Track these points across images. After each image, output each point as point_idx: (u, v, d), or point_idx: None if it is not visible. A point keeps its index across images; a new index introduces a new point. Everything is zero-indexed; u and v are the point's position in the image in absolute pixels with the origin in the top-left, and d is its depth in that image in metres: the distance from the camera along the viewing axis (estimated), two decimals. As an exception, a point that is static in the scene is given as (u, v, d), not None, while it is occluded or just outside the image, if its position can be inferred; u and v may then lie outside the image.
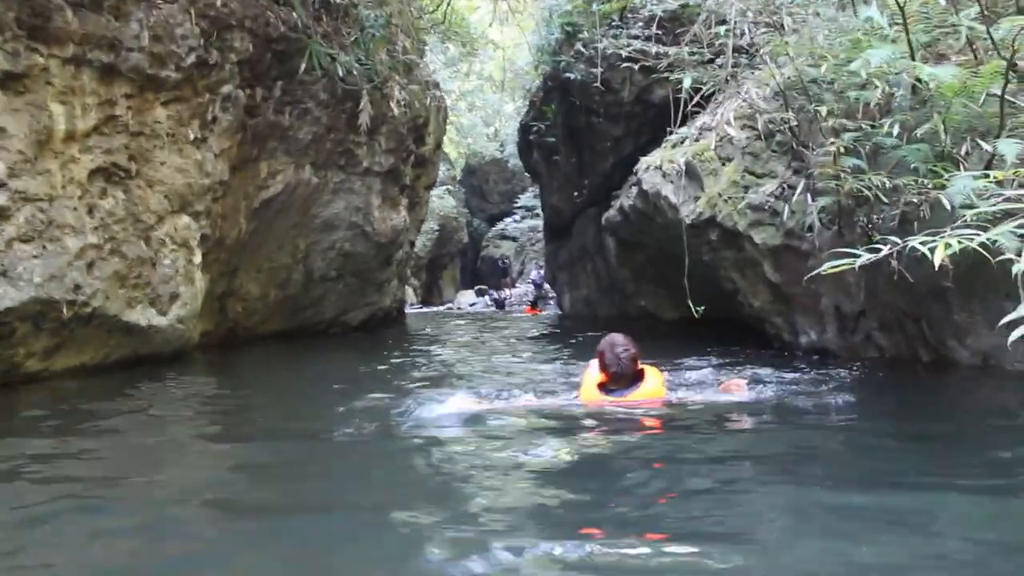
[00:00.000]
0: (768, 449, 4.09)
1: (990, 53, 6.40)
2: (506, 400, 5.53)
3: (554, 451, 4.06)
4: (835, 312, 7.53)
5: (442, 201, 28.29)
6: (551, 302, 24.26)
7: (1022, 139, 5.73)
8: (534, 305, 23.42)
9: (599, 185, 14.23)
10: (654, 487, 3.41)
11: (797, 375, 6.33)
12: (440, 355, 10.01)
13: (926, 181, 5.86)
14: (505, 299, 26.86)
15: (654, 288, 12.75)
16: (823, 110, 6.50)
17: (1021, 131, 5.81)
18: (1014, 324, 3.15)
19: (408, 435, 4.58)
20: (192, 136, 8.34)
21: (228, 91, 8.76)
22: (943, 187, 5.73)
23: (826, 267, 3.65)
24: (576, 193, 14.63)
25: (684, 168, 8.86)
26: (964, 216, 5.49)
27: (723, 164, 8.53)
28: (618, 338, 5.08)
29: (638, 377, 5.05)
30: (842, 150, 6.41)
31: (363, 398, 5.84)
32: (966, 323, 6.34)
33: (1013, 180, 5.82)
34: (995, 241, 3.94)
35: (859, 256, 3.56)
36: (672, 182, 9.08)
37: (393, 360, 9.14)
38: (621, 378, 4.99)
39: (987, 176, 5.86)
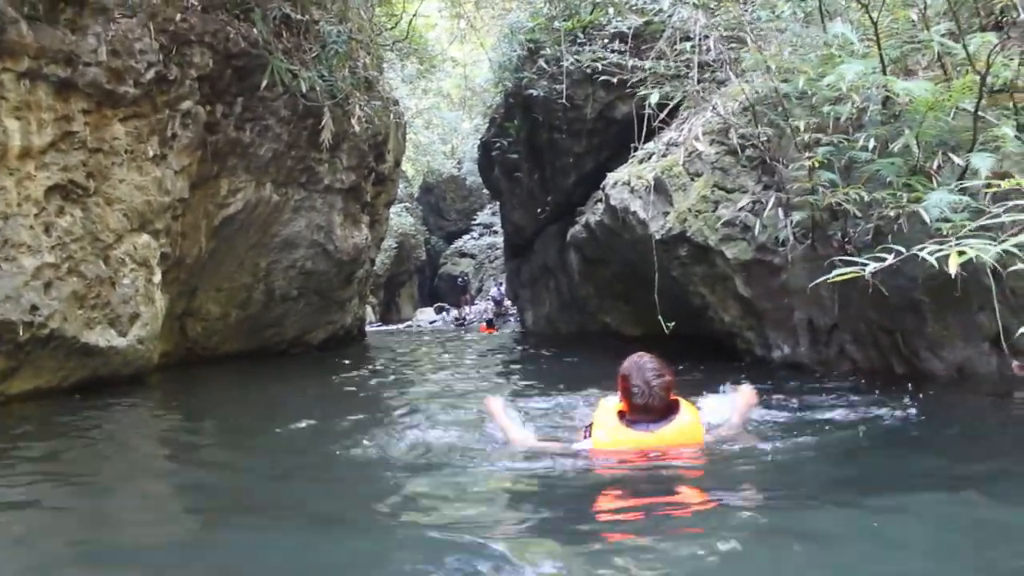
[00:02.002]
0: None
1: (958, 69, 6.44)
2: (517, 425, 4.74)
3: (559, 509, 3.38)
4: (808, 326, 7.50)
5: (400, 219, 28.07)
6: (511, 319, 24.14)
7: (993, 153, 5.76)
8: (490, 324, 23.23)
9: (561, 202, 14.15)
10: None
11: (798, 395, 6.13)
12: (406, 375, 9.82)
13: (902, 195, 5.84)
14: (465, 316, 26.68)
15: (618, 304, 12.68)
16: (800, 124, 6.47)
17: (992, 145, 5.83)
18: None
19: (382, 464, 4.28)
20: (151, 153, 8.10)
21: (188, 107, 8.53)
22: (919, 200, 5.73)
23: (834, 275, 3.55)
24: (540, 210, 14.54)
25: (653, 183, 8.80)
26: (939, 228, 5.51)
27: (692, 179, 8.47)
28: (648, 360, 4.02)
29: (671, 410, 4.04)
30: (817, 164, 6.38)
31: (324, 423, 5.67)
32: (940, 336, 6.33)
33: (986, 193, 5.85)
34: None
35: (867, 264, 3.46)
36: (641, 197, 9.00)
37: (357, 381, 8.92)
38: (650, 411, 3.97)
39: (963, 190, 5.89)
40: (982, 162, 5.54)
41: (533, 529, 3.10)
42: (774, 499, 3.33)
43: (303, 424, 5.63)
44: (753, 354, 8.20)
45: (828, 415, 5.16)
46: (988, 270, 5.64)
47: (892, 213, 5.95)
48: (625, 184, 9.41)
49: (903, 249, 3.55)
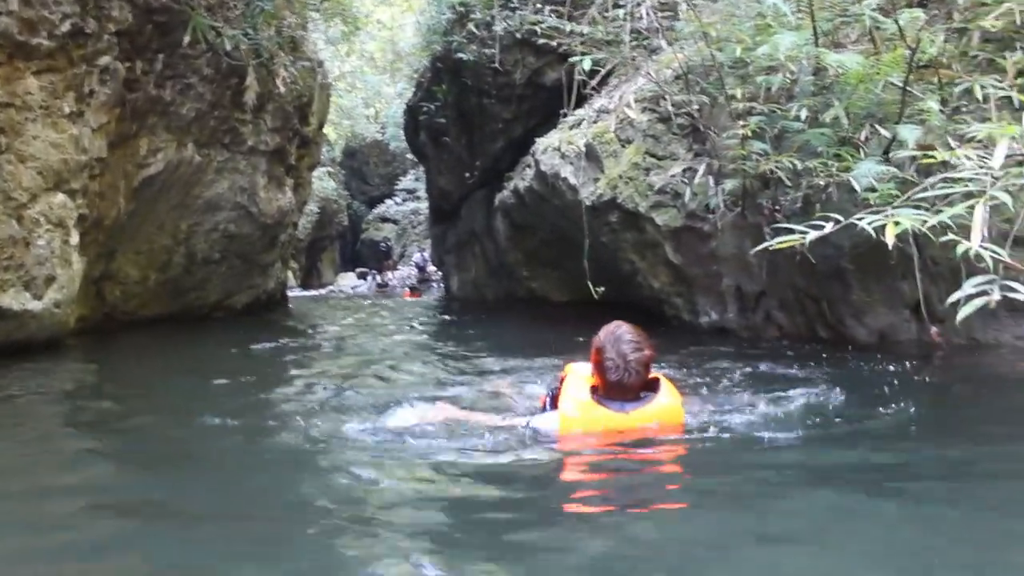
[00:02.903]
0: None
1: (887, 43, 6.56)
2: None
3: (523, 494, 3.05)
4: (736, 292, 7.62)
5: (322, 183, 27.53)
6: (435, 285, 24.01)
7: (919, 125, 5.89)
8: (414, 289, 23.02)
9: (489, 167, 14.06)
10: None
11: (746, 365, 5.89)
12: (330, 340, 9.66)
13: (832, 164, 5.93)
14: (388, 282, 26.44)
15: (546, 271, 12.69)
16: (736, 92, 6.51)
17: (917, 118, 5.96)
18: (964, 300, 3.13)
19: (305, 444, 3.79)
20: (67, 110, 7.69)
21: (106, 63, 8.12)
22: (848, 170, 5.83)
23: (774, 242, 3.56)
24: (467, 175, 14.41)
25: (584, 149, 8.79)
26: (867, 198, 5.62)
27: (623, 146, 8.49)
28: (625, 331, 3.58)
29: (649, 388, 3.64)
30: (750, 133, 6.44)
31: (245, 390, 5.51)
32: (864, 303, 6.50)
33: (912, 164, 5.99)
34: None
35: (806, 232, 3.49)
36: (571, 163, 8.99)
37: (281, 346, 8.73)
38: (625, 389, 3.55)
39: (889, 161, 6.02)
40: (909, 134, 5.66)
41: (476, 533, 2.61)
42: (759, 493, 2.97)
43: (222, 388, 5.49)
44: (681, 320, 8.30)
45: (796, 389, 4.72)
46: (911, 240, 5.80)
47: (822, 182, 6.06)
48: (556, 150, 9.37)
49: (840, 218, 3.57)
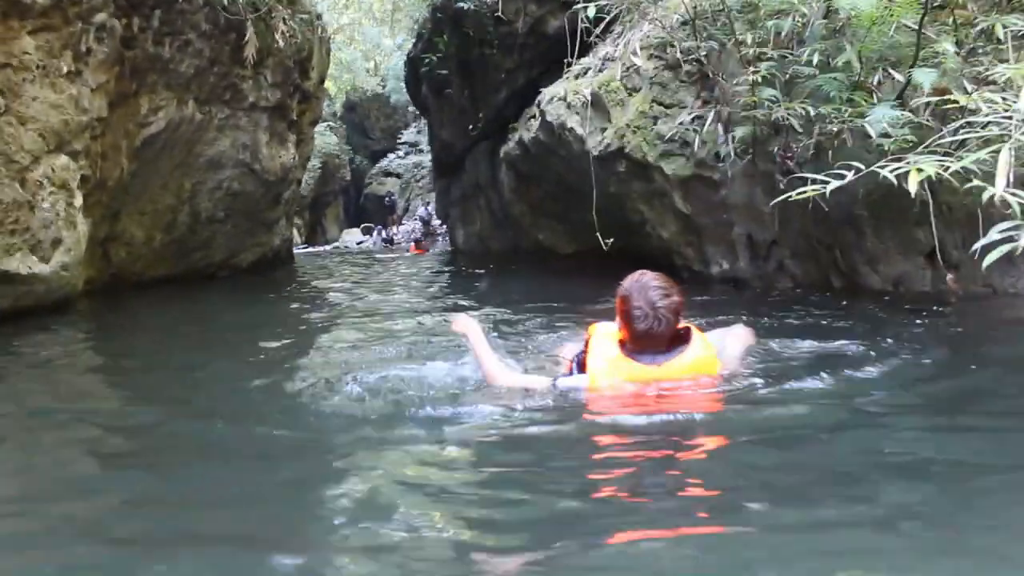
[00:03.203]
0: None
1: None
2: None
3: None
4: (747, 241, 7.53)
5: (324, 138, 27.30)
6: (440, 239, 23.91)
7: (934, 68, 5.75)
8: (419, 244, 22.90)
9: (492, 118, 13.87)
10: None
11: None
12: (342, 299, 9.60)
13: (846, 109, 5.81)
14: (393, 237, 26.35)
15: (552, 222, 12.58)
16: (747, 38, 6.35)
17: (933, 61, 5.81)
18: (988, 247, 3.05)
19: (325, 408, 3.62)
20: (65, 69, 7.56)
21: (102, 20, 7.97)
22: (861, 116, 5.71)
23: (794, 193, 3.47)
24: (470, 127, 14.23)
25: (590, 99, 8.63)
26: (881, 145, 5.51)
27: (630, 95, 8.34)
28: (651, 279, 3.34)
29: (680, 339, 3.40)
30: (759, 80, 6.30)
31: (256, 354, 5.26)
32: (878, 250, 6.41)
33: (927, 108, 5.86)
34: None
35: (828, 182, 3.39)
36: (578, 113, 8.84)
37: (292, 306, 8.68)
38: (655, 339, 3.32)
39: (901, 105, 5.89)
40: (924, 77, 5.52)
41: (505, 509, 2.41)
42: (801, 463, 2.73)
43: (233, 355, 5.40)
44: (691, 270, 8.22)
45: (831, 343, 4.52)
46: (926, 186, 5.69)
47: (835, 128, 5.93)
48: (561, 99, 9.22)
49: (861, 166, 3.47)
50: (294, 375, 4.35)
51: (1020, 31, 5.53)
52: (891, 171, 3.46)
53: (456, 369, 4.07)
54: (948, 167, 3.28)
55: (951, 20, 6.00)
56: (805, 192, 3.47)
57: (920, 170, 3.31)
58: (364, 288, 10.81)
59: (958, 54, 5.75)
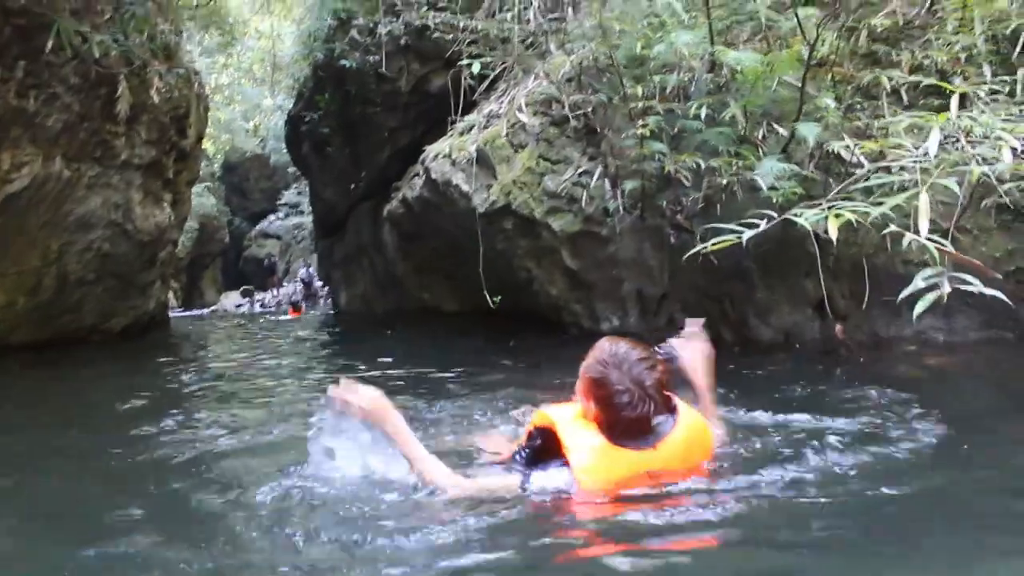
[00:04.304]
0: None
1: (779, 42, 6.40)
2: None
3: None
4: (637, 296, 7.33)
5: (202, 199, 26.29)
6: (322, 301, 23.18)
7: (816, 123, 5.73)
8: (296, 306, 22.00)
9: (376, 178, 13.49)
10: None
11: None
12: (221, 365, 8.93)
13: (734, 163, 5.71)
14: (273, 299, 25.46)
15: (438, 280, 12.21)
16: (637, 90, 6.22)
17: (815, 115, 5.80)
18: (911, 297, 2.86)
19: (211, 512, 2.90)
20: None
21: (-44, 67, 7.28)
22: (750, 168, 5.62)
23: (711, 244, 3.24)
24: (353, 186, 13.81)
25: (475, 155, 8.37)
26: (769, 197, 5.42)
27: (516, 151, 8.12)
28: (626, 348, 2.78)
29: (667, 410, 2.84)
30: (648, 133, 6.16)
31: (124, 430, 4.57)
32: (768, 302, 6.31)
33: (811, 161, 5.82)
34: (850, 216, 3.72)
35: (743, 232, 3.17)
36: (463, 170, 8.56)
37: (165, 375, 7.95)
38: (644, 423, 2.75)
39: (787, 158, 5.84)
40: (809, 131, 5.49)
41: None
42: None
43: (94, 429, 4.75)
44: (580, 327, 7.97)
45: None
46: (813, 237, 5.62)
47: (724, 181, 5.83)
48: (446, 157, 8.93)
49: (774, 214, 3.28)
50: (165, 464, 3.62)
51: (897, 86, 5.57)
52: (807, 218, 3.28)
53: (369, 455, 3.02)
54: (868, 213, 3.12)
55: (830, 77, 6.03)
56: (721, 242, 3.24)
57: (838, 215, 3.14)
58: (243, 352, 10.13)
59: (838, 109, 5.76)
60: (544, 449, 2.86)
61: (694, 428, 2.90)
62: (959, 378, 5.11)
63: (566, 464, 2.73)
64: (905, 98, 5.81)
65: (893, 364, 5.41)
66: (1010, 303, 3.06)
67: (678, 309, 7.07)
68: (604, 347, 2.81)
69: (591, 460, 2.72)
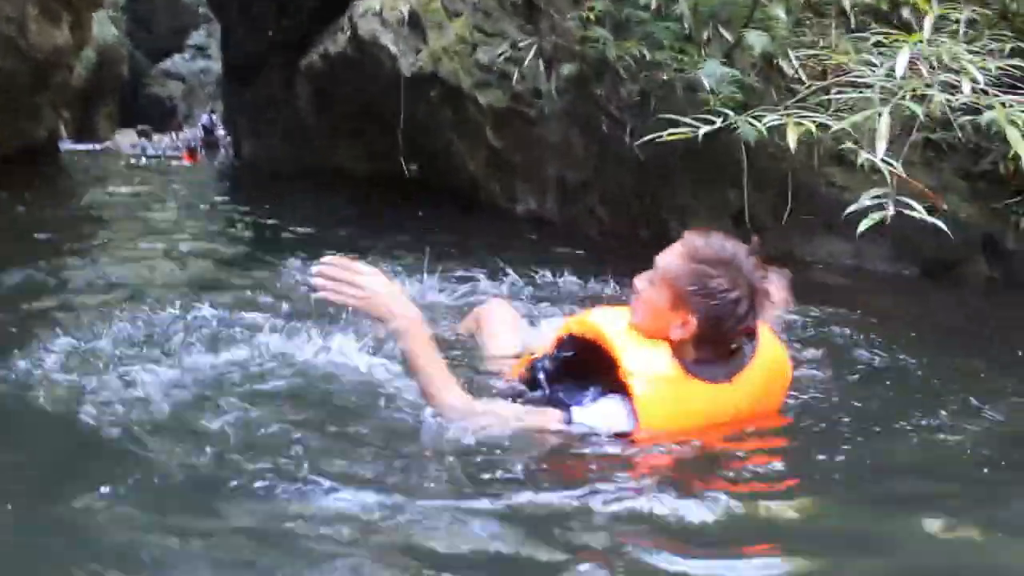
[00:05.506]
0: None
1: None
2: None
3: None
4: (558, 182, 7.14)
5: (103, 28, 24.31)
6: (223, 149, 22.08)
7: (764, 31, 5.55)
8: (193, 152, 20.74)
9: (294, 27, 12.63)
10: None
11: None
12: (112, 208, 8.34)
13: (682, 58, 5.50)
14: (172, 142, 24.17)
15: (351, 142, 11.69)
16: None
17: (763, 24, 5.61)
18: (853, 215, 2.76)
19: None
20: None
21: None
22: (695, 67, 5.43)
23: (667, 134, 3.05)
24: (270, 32, 12.92)
25: (408, 16, 7.89)
26: (707, 100, 5.26)
27: (451, 19, 7.68)
28: (732, 246, 2.19)
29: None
30: (593, 17, 5.86)
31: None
32: (689, 206, 6.23)
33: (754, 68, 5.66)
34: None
35: (698, 128, 2.99)
36: (393, 31, 8.06)
37: (43, 206, 7.30)
38: (734, 343, 2.24)
39: (730, 63, 5.66)
40: (757, 40, 5.31)
41: None
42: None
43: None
44: (496, 206, 7.75)
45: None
46: (743, 147, 5.52)
47: (665, 77, 5.62)
48: (376, 14, 8.37)
49: (730, 112, 3.11)
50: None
51: (852, 6, 5.42)
52: (766, 123, 3.13)
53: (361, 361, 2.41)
54: (829, 126, 2.99)
55: (786, -14, 5.82)
56: (675, 134, 3.06)
57: (798, 124, 3.00)
58: (139, 197, 9.50)
59: (787, 22, 5.59)
60: (577, 365, 2.24)
61: (776, 361, 2.34)
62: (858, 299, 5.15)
63: (619, 393, 2.13)
64: (853, 21, 5.66)
65: (804, 279, 5.43)
66: (950, 235, 3.03)
67: (598, 201, 6.93)
68: (703, 242, 2.18)
69: (658, 391, 2.11)
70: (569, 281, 4.52)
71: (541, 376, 2.25)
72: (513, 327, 2.92)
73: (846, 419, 2.49)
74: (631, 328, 2.20)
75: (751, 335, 2.24)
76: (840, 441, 2.30)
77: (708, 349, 2.18)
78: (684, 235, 2.25)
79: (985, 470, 2.19)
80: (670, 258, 2.19)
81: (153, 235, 6.34)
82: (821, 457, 2.18)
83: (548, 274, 4.57)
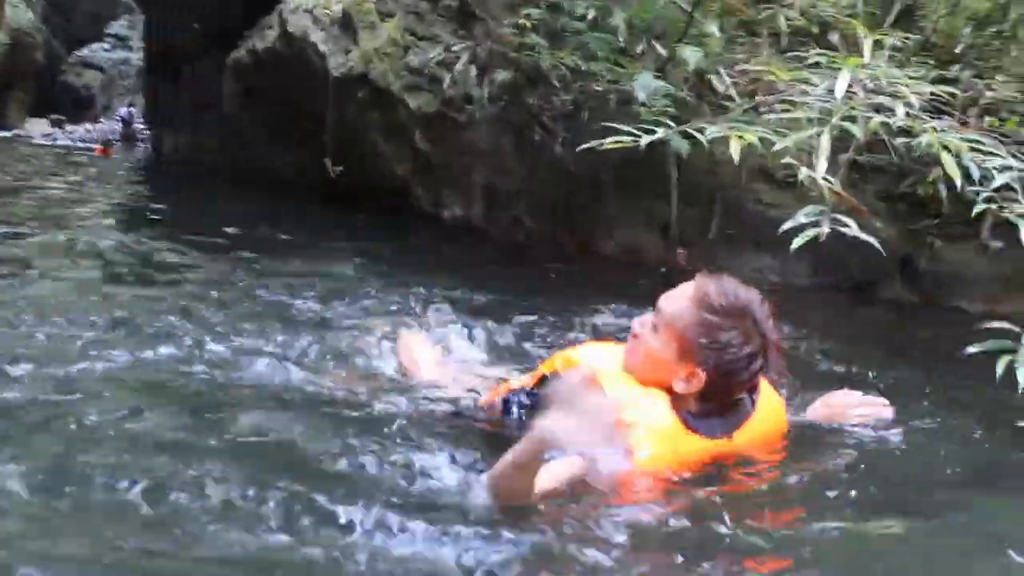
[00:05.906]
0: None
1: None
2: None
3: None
4: (485, 189, 7.04)
5: (17, 11, 23.28)
6: (141, 144, 21.30)
7: (698, 47, 5.55)
8: (107, 145, 19.81)
9: (221, 20, 12.26)
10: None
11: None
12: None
13: (617, 70, 5.47)
14: (89, 134, 23.25)
15: (277, 141, 11.37)
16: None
17: (697, 40, 5.62)
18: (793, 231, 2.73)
19: None
20: None
21: None
22: (629, 79, 5.40)
23: (607, 142, 2.97)
24: (196, 26, 12.53)
25: (340, 16, 7.71)
26: (639, 112, 5.22)
27: (383, 20, 7.53)
28: (746, 291, 2.04)
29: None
30: (529, 25, 5.79)
31: None
32: (616, 216, 6.20)
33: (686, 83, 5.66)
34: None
35: (639, 137, 2.92)
36: (324, 29, 7.88)
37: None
38: (742, 393, 2.11)
39: (663, 77, 5.65)
40: (691, 55, 5.30)
41: None
42: None
43: None
44: (422, 211, 7.60)
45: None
46: (673, 160, 5.52)
47: (599, 87, 5.58)
48: (307, 12, 8.18)
49: (672, 124, 3.05)
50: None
51: (785, 28, 5.46)
52: (708, 134, 3.08)
53: None
54: (774, 142, 2.96)
55: (718, 5, 5.85)
56: (617, 142, 2.99)
57: (741, 137, 2.96)
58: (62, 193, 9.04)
59: (720, 39, 5.61)
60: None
61: (774, 414, 2.20)
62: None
63: None
64: (784, 42, 5.71)
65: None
66: (882, 251, 3.02)
67: (525, 209, 6.85)
68: (716, 290, 1.98)
69: (658, 449, 1.93)
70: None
71: (516, 410, 2.10)
72: (435, 360, 2.73)
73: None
74: (625, 372, 2.05)
75: (754, 388, 2.10)
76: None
77: (711, 403, 2.03)
78: (696, 278, 2.06)
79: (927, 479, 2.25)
80: (678, 304, 2.01)
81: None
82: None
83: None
